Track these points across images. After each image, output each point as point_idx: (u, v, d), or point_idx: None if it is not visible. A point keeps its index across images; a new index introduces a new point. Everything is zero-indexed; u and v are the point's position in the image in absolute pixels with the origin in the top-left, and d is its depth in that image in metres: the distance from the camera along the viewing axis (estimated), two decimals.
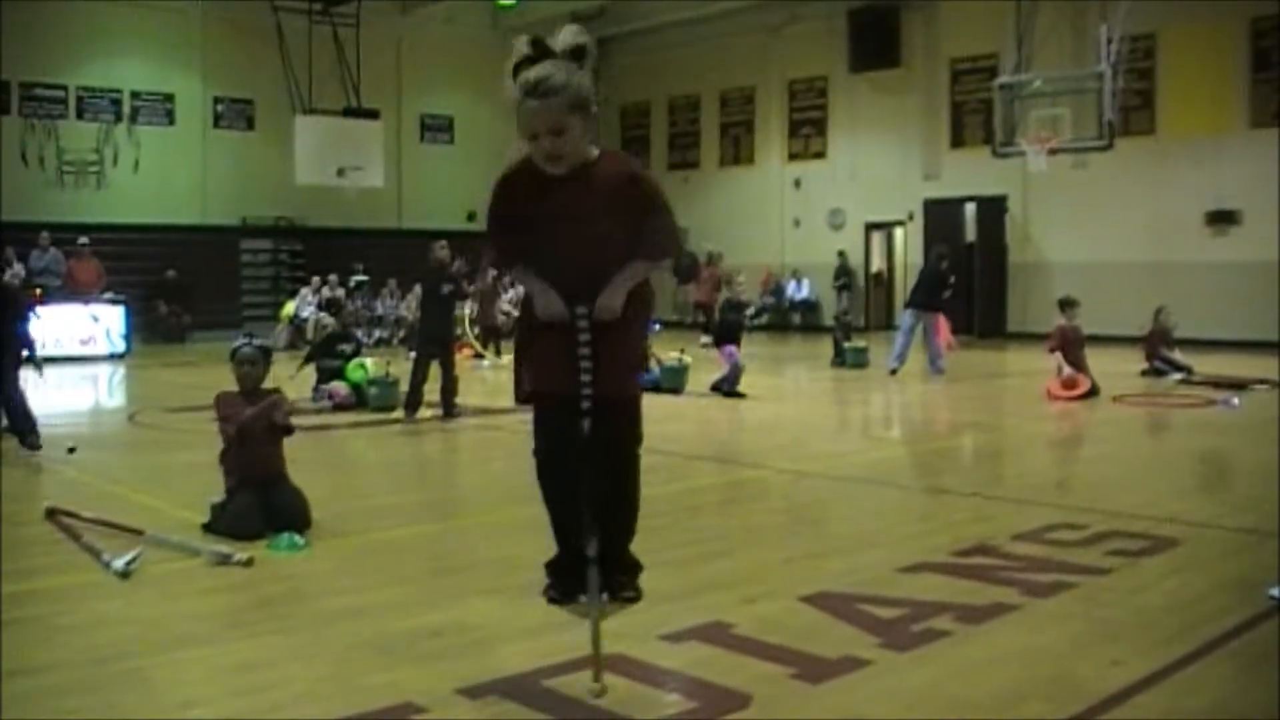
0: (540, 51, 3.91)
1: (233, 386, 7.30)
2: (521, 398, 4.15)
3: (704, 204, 31.43)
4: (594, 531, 3.99)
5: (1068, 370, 14.48)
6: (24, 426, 10.29)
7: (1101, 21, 21.08)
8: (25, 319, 10.99)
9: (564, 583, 4.17)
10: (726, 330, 14.88)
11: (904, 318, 17.97)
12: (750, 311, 14.91)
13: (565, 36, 3.96)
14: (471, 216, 30.83)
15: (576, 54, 3.93)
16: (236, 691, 4.41)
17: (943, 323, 17.81)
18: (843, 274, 28.40)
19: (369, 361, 14.07)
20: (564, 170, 3.93)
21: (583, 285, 3.96)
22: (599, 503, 4.00)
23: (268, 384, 7.41)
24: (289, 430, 7.27)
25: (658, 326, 18.02)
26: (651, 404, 13.45)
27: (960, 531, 7.02)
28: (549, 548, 4.16)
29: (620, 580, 4.16)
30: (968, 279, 25.95)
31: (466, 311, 20.86)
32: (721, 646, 4.86)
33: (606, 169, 4.00)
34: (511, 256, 4.15)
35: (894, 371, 17.09)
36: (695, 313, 24.92)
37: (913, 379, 16.82)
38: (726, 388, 14.62)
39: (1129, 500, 8.03)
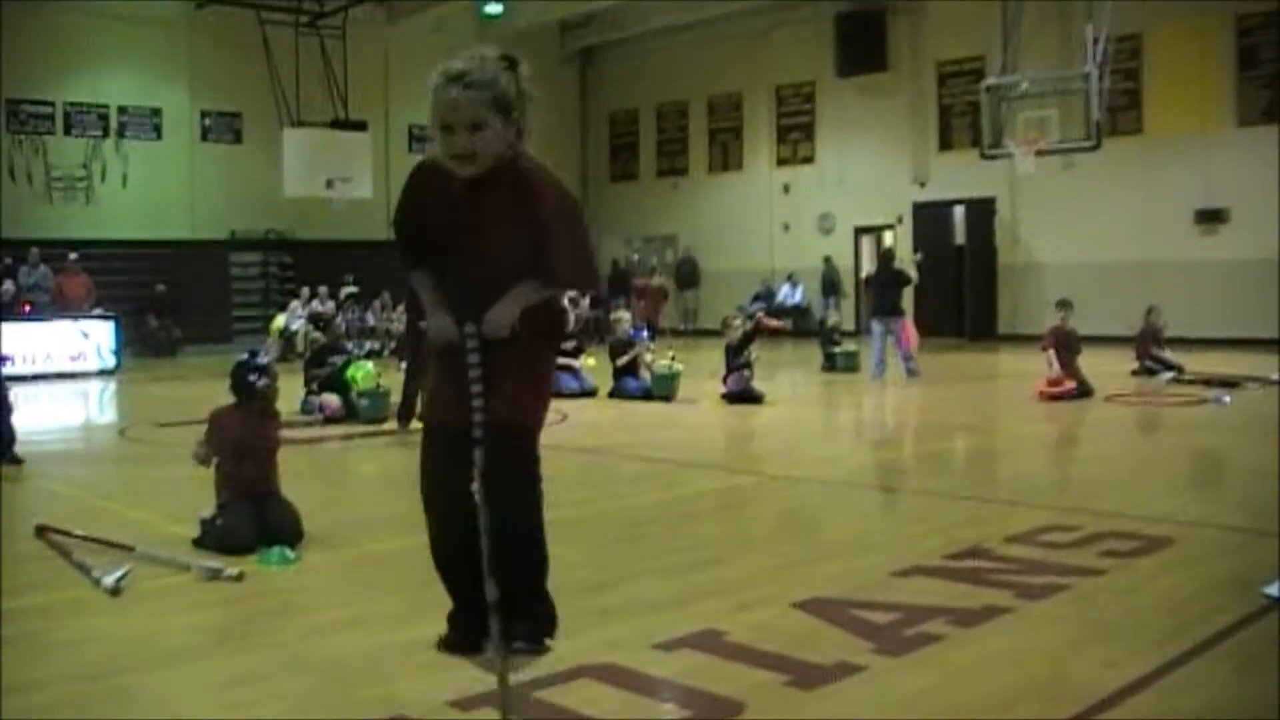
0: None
1: (224, 403, 7.29)
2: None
3: (693, 210, 31.50)
4: (492, 576, 3.64)
5: (1055, 368, 14.49)
6: None
7: (1087, 22, 21.05)
8: None
9: (464, 633, 3.83)
10: (729, 370, 14.84)
11: (872, 326, 17.96)
12: (750, 355, 14.84)
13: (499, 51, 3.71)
14: None
15: (508, 60, 3.69)
16: (227, 707, 4.39)
17: (908, 325, 17.77)
18: (829, 279, 28.38)
19: (369, 364, 14.05)
20: (473, 173, 3.63)
21: (476, 303, 3.63)
22: (493, 545, 3.63)
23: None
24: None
25: (645, 334, 17.97)
26: (642, 412, 13.55)
27: (953, 534, 7.00)
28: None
29: (522, 630, 3.76)
30: (957, 282, 26.00)
31: None
32: (714, 654, 4.83)
33: (514, 177, 3.66)
34: (414, 257, 3.82)
35: (878, 377, 17.10)
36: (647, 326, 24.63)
37: (902, 383, 16.83)
38: (737, 397, 14.51)
39: (1122, 500, 8.03)
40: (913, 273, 18.05)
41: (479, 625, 3.73)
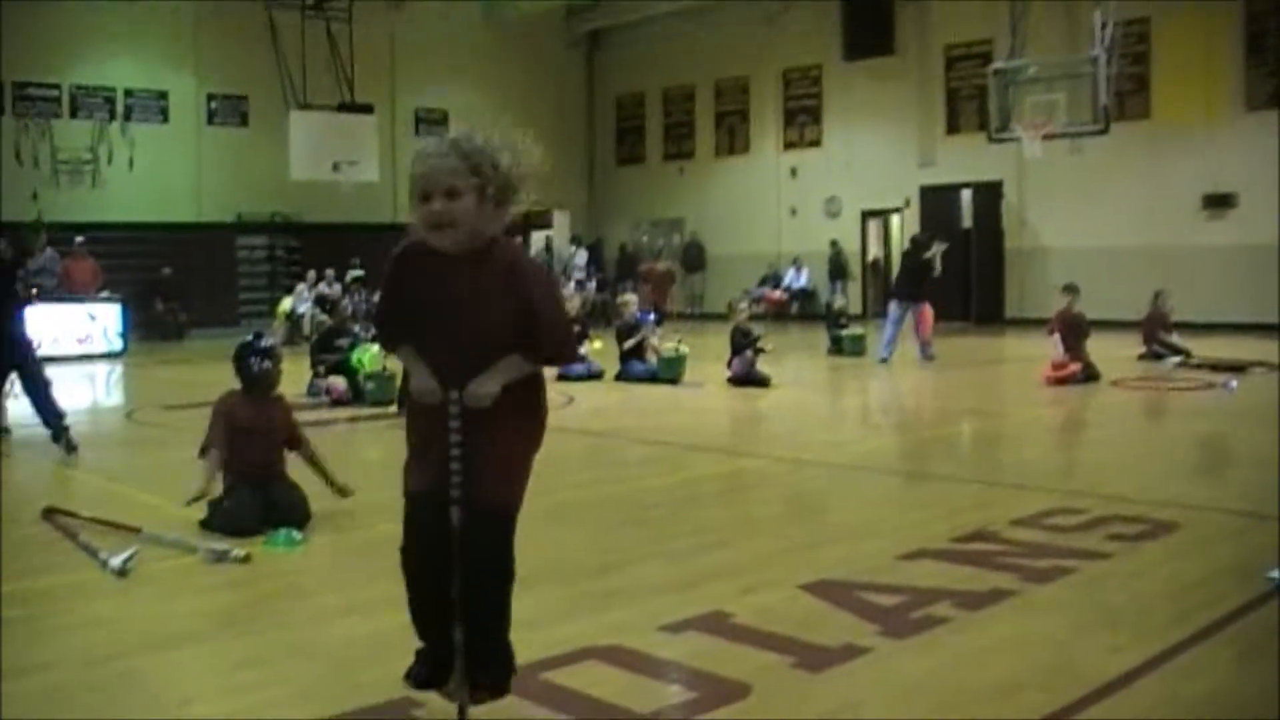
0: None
1: (230, 386, 7.31)
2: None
3: (700, 194, 31.46)
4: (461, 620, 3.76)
5: (1058, 352, 14.48)
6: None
7: (1095, 6, 21.01)
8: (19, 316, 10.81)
9: (430, 670, 3.95)
10: (735, 350, 14.84)
11: (890, 308, 18.01)
12: (755, 336, 14.91)
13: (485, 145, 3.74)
14: None
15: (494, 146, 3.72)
16: (234, 689, 4.40)
17: (927, 311, 17.75)
18: (836, 263, 28.29)
19: (374, 348, 14.08)
20: (452, 243, 3.69)
21: (461, 378, 3.73)
22: (464, 604, 3.75)
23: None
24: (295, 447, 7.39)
25: (653, 318, 17.97)
26: (648, 395, 13.52)
27: (959, 518, 7.00)
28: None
29: (487, 676, 3.90)
30: (964, 265, 25.95)
31: None
32: (721, 637, 4.85)
33: (497, 255, 3.75)
34: (396, 340, 3.92)
35: (884, 360, 17.15)
36: (655, 310, 24.76)
37: (909, 366, 16.82)
38: (743, 379, 14.52)
39: (1127, 484, 8.03)
40: (937, 265, 17.93)
41: (446, 663, 3.86)
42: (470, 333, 3.75)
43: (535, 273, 3.86)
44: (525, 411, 3.88)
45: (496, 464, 3.79)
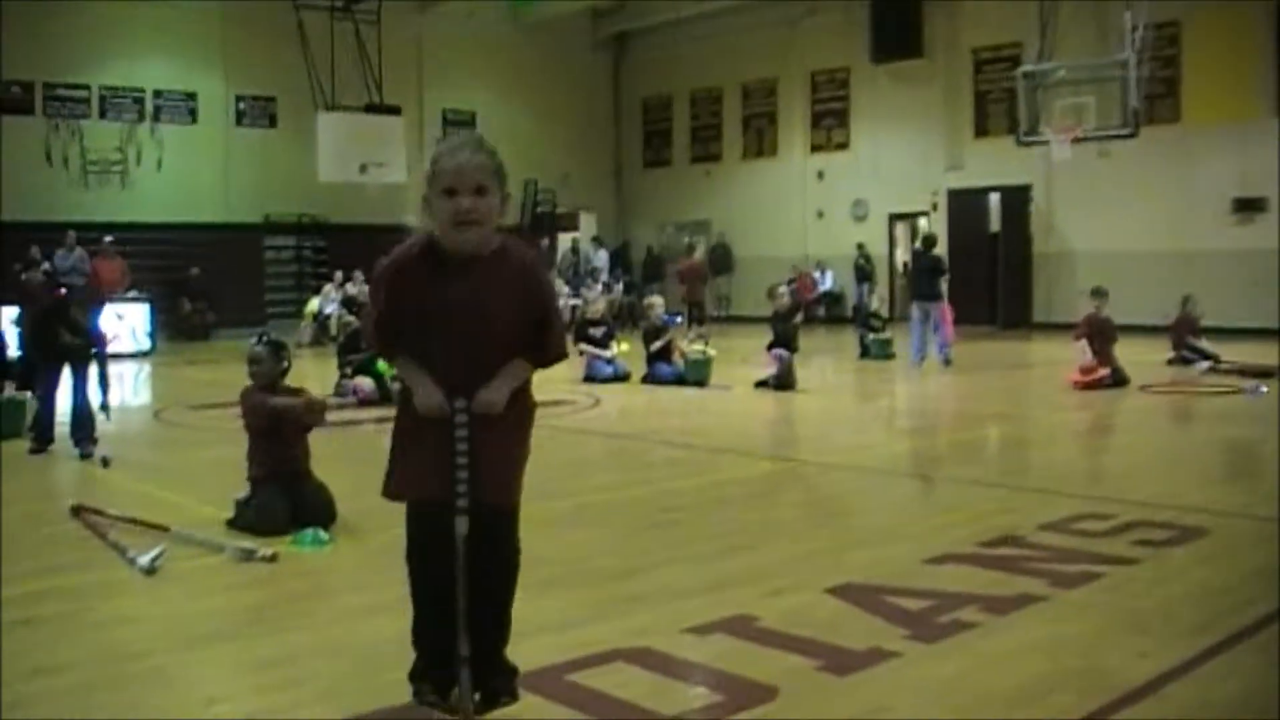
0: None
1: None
2: (391, 494, 3.99)
3: (726, 197, 31.44)
4: (466, 631, 3.76)
5: (1087, 356, 14.41)
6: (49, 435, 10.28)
7: (1125, 9, 20.91)
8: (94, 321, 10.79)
9: (435, 683, 3.94)
10: (777, 338, 14.78)
11: (912, 312, 18.01)
12: (798, 319, 14.91)
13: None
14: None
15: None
16: (260, 688, 4.42)
17: (947, 312, 17.72)
18: (863, 266, 28.21)
19: None
20: (477, 240, 3.70)
21: (465, 380, 3.75)
22: (471, 608, 3.76)
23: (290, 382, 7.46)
24: (307, 427, 7.35)
25: (679, 319, 17.97)
26: (675, 398, 13.52)
27: (986, 522, 6.97)
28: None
29: (494, 685, 3.92)
30: (991, 269, 25.85)
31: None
32: (747, 639, 4.84)
33: (504, 260, 3.77)
34: (392, 349, 3.95)
35: (917, 364, 17.13)
36: (691, 309, 24.82)
37: (935, 371, 16.78)
38: (774, 383, 14.48)
39: (1156, 489, 7.98)
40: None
41: (449, 677, 3.88)
42: (479, 335, 3.76)
43: (546, 275, 3.97)
44: (522, 411, 3.91)
45: (502, 465, 3.84)
